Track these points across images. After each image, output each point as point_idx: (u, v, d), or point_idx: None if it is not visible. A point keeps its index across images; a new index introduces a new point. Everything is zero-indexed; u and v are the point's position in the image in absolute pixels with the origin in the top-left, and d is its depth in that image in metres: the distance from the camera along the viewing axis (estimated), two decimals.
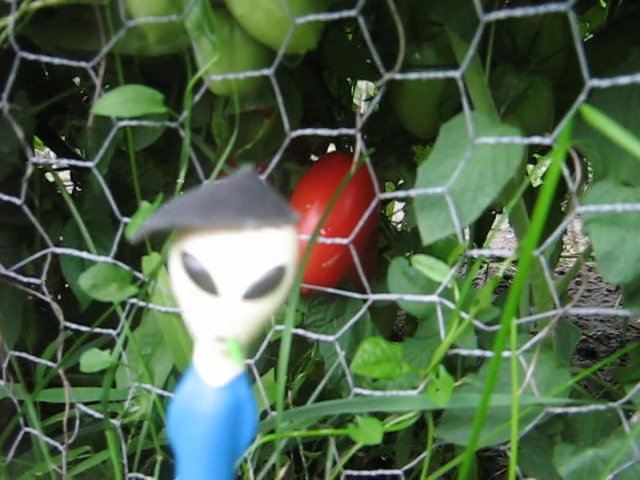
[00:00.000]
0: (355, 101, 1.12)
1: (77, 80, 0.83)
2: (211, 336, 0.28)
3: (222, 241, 0.26)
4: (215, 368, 0.30)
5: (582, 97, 0.34)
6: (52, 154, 0.94)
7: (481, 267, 1.47)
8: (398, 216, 1.30)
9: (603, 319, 1.55)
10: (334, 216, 0.56)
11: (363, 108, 1.12)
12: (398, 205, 1.23)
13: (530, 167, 0.92)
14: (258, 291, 0.26)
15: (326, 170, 0.62)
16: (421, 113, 0.62)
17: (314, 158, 0.83)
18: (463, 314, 0.45)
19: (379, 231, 0.75)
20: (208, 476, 0.31)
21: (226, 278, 0.26)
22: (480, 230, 0.81)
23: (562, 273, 1.80)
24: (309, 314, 0.63)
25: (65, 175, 0.99)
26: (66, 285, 0.81)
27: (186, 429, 0.31)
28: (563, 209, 0.80)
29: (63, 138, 0.90)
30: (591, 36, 0.89)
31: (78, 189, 0.87)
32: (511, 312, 0.29)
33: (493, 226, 0.85)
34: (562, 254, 1.34)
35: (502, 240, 2.10)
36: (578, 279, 1.74)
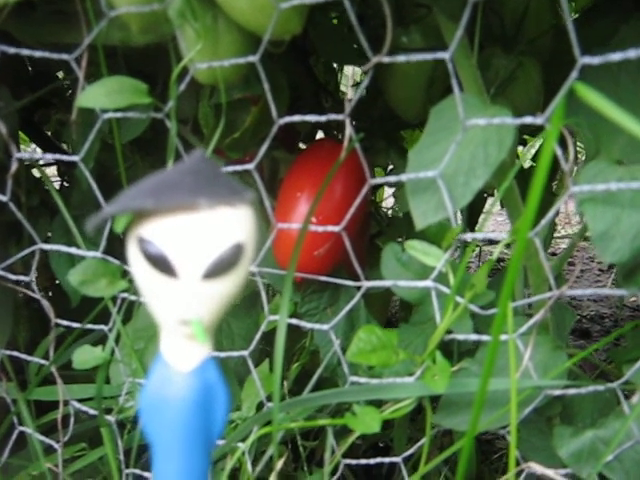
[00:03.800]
0: (342, 87, 1.11)
1: (60, 74, 0.82)
2: (174, 320, 0.28)
3: (177, 223, 0.26)
4: (182, 353, 0.30)
5: (574, 74, 0.33)
6: (39, 150, 0.93)
7: (473, 251, 1.47)
8: (389, 202, 1.30)
9: (596, 299, 1.56)
10: (325, 203, 0.56)
11: (350, 94, 1.12)
12: (388, 191, 1.22)
13: (520, 149, 0.92)
14: (217, 270, 0.26)
15: (315, 157, 0.61)
16: (410, 96, 0.61)
17: (302, 146, 0.83)
18: (458, 298, 0.45)
19: (370, 217, 0.74)
20: (183, 463, 0.31)
21: (184, 259, 0.26)
22: (472, 213, 0.80)
23: (554, 254, 1.80)
24: (302, 303, 0.62)
25: (52, 171, 0.98)
26: (57, 281, 0.80)
27: (158, 417, 0.30)
28: (554, 189, 0.80)
29: (49, 133, 0.89)
30: (577, 15, 0.89)
31: (65, 184, 0.86)
32: (507, 296, 0.29)
33: (485, 209, 0.85)
34: (554, 235, 1.34)
35: (493, 223, 2.10)
36: (571, 259, 1.74)
